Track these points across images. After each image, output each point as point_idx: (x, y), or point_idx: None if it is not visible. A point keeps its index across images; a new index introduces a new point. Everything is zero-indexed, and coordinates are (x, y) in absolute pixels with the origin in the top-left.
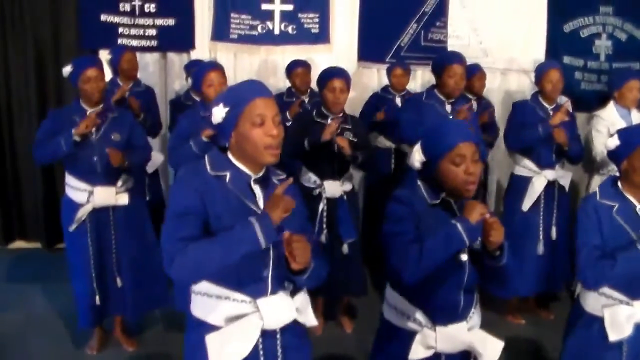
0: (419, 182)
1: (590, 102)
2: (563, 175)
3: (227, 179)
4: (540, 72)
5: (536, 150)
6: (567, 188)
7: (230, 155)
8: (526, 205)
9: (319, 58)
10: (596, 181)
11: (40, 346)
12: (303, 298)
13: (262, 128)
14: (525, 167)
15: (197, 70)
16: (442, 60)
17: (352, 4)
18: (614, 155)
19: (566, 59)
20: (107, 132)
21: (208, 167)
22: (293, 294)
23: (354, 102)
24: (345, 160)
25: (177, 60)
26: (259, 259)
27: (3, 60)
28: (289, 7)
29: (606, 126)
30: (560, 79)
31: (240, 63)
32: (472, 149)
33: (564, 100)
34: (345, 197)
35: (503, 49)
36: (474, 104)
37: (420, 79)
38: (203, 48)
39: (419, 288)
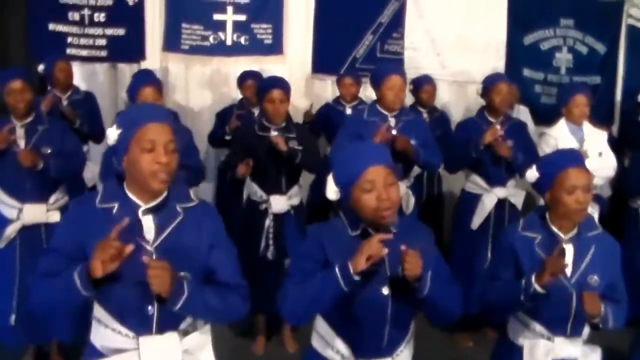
0: (340, 213)
1: (550, 116)
2: (515, 194)
3: (114, 211)
4: (488, 85)
5: (485, 167)
6: (519, 207)
7: (125, 184)
8: (475, 223)
9: (272, 69)
10: None
11: None
12: (199, 338)
13: (151, 154)
14: (475, 183)
15: (132, 84)
16: (380, 72)
17: (307, 15)
18: (537, 187)
19: (526, 72)
20: (36, 145)
21: (97, 200)
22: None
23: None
24: (292, 174)
25: (127, 70)
26: (141, 294)
27: None
28: (242, 18)
29: (554, 144)
30: (509, 92)
31: (192, 74)
32: (384, 173)
33: (520, 109)
34: (292, 212)
35: (461, 61)
36: (426, 116)
37: None
38: (154, 58)
39: (342, 318)
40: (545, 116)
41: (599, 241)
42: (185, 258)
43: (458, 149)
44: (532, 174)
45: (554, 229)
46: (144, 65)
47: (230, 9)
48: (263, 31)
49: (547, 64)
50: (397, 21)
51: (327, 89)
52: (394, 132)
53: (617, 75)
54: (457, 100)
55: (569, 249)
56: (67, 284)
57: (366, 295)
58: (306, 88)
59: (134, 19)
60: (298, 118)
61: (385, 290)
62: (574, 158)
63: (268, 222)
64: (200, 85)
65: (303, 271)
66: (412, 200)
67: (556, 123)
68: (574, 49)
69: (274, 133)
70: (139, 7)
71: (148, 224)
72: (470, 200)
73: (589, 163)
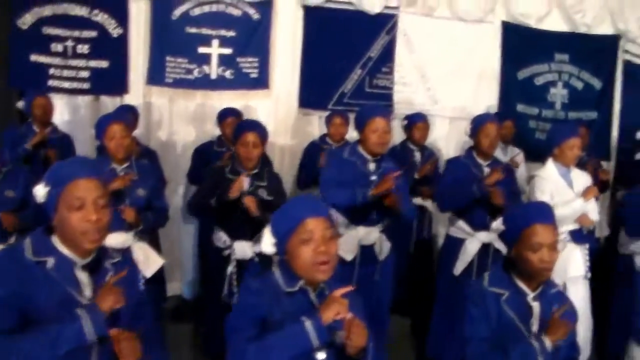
0: (274, 268)
1: (545, 153)
2: (499, 238)
3: (50, 266)
4: (476, 126)
5: (470, 211)
6: (504, 252)
7: (55, 238)
8: (458, 269)
9: (258, 103)
10: None
11: None
12: None
13: (81, 212)
14: (459, 228)
15: (100, 121)
16: (364, 113)
17: (294, 48)
18: (503, 240)
19: (520, 107)
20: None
21: (28, 252)
22: None
23: (295, 150)
24: (260, 220)
25: (110, 103)
26: (81, 357)
27: None
28: (228, 51)
29: (549, 187)
30: (498, 134)
31: (176, 108)
32: (323, 225)
33: (516, 152)
34: (256, 258)
35: (453, 96)
36: (417, 155)
37: None
38: (137, 92)
39: None
40: (539, 152)
41: (560, 299)
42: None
43: (455, 187)
44: (497, 226)
45: (521, 285)
46: (127, 98)
47: (215, 42)
48: (249, 65)
49: (541, 99)
50: (387, 55)
51: (314, 125)
52: (373, 177)
53: (613, 111)
54: (448, 136)
55: (536, 307)
56: (67, 332)
57: (301, 358)
58: (292, 123)
59: (117, 51)
60: (283, 153)
61: (321, 355)
62: (543, 214)
63: (231, 268)
64: (184, 120)
65: (247, 330)
66: (387, 245)
67: (545, 165)
68: (569, 84)
69: (245, 180)
70: (123, 40)
71: (85, 280)
72: (454, 245)
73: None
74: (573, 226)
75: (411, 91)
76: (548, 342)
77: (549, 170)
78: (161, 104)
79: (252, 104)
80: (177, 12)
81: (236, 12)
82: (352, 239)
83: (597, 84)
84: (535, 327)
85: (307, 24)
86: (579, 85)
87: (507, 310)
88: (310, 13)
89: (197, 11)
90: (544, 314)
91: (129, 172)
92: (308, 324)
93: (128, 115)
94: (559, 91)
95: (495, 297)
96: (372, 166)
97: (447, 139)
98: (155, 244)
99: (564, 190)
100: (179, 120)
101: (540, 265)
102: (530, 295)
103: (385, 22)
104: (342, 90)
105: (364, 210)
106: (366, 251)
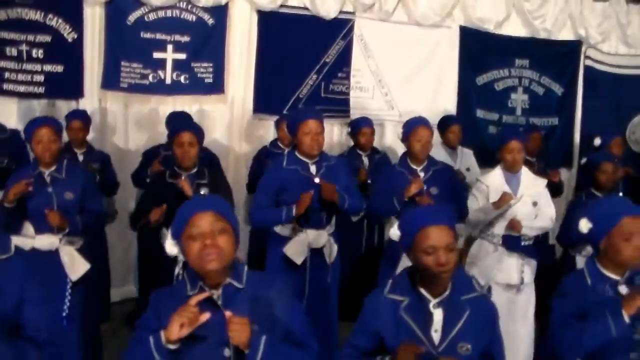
0: (180, 270)
1: None
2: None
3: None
4: (408, 130)
5: None
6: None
7: None
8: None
9: (213, 109)
10: (476, 245)
11: None
12: None
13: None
14: (392, 234)
15: (28, 124)
16: (295, 117)
17: (249, 54)
18: (400, 247)
19: (479, 113)
20: None
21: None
22: None
23: (249, 155)
24: None
25: (65, 107)
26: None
27: None
28: (182, 56)
29: (484, 191)
30: (430, 139)
31: (131, 112)
32: (210, 219)
33: (464, 152)
34: None
35: (410, 101)
36: (365, 160)
37: None
38: (92, 96)
39: None
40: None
41: (475, 305)
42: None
43: (381, 200)
44: (394, 232)
45: (423, 291)
46: (83, 102)
47: (170, 47)
48: (204, 70)
49: (502, 104)
50: (343, 61)
51: (269, 130)
52: (317, 180)
53: (575, 116)
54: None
55: (438, 314)
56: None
57: (208, 357)
58: (247, 128)
59: (72, 55)
60: (238, 158)
61: (227, 352)
62: (433, 216)
63: (177, 269)
64: (139, 125)
65: (142, 335)
66: (335, 248)
67: (493, 169)
68: (530, 90)
69: (184, 182)
70: (78, 44)
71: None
72: (394, 250)
73: (519, 212)
74: (506, 231)
75: (367, 96)
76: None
77: (493, 175)
78: (116, 109)
79: (207, 109)
80: (132, 17)
81: (191, 18)
82: (302, 243)
83: (558, 89)
84: (437, 336)
85: (261, 29)
86: (540, 90)
87: (405, 317)
88: (265, 18)
89: (152, 16)
90: (449, 320)
91: (56, 176)
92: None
93: (56, 120)
94: (519, 97)
95: (393, 304)
96: (313, 168)
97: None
98: (101, 248)
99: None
100: (134, 124)
101: (437, 269)
102: (433, 301)
103: (341, 27)
104: (297, 96)
105: (311, 213)
106: (316, 255)
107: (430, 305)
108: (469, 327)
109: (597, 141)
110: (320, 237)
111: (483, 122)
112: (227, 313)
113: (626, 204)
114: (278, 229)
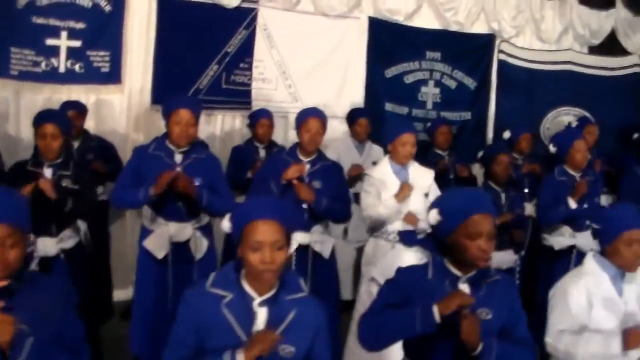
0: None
1: (423, 153)
2: (321, 240)
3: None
4: (299, 121)
5: None
6: (326, 255)
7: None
8: None
9: (110, 99)
10: (370, 245)
11: None
12: None
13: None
14: None
15: None
16: (167, 106)
17: (147, 43)
18: (234, 241)
19: (388, 106)
20: None
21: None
22: None
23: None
24: (66, 216)
25: None
26: None
27: None
28: (77, 44)
29: (375, 185)
30: (321, 131)
31: (23, 101)
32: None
33: (374, 148)
34: (62, 255)
35: (315, 94)
36: (262, 152)
37: (221, 124)
38: None
39: None
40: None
41: (302, 306)
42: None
43: (258, 187)
44: (225, 224)
45: (247, 288)
46: None
47: (64, 34)
48: (100, 59)
49: (412, 98)
50: (245, 51)
51: None
52: (178, 169)
53: (488, 111)
54: None
55: (262, 313)
56: None
57: None
58: (145, 119)
59: None
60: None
61: None
62: (265, 209)
63: (33, 265)
64: (31, 114)
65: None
66: (204, 243)
67: (380, 162)
68: (442, 83)
69: (47, 170)
70: None
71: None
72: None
73: (412, 205)
74: (402, 226)
75: (271, 88)
76: None
77: (381, 168)
78: (7, 97)
79: (104, 99)
80: (22, 0)
81: (86, 3)
82: (162, 236)
83: (471, 83)
84: None
85: (161, 17)
86: (452, 84)
87: (226, 313)
88: (164, 6)
89: (44, 1)
90: (273, 321)
91: None
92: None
93: None
94: (430, 90)
95: (215, 299)
96: (178, 157)
97: None
98: (103, 247)
99: (394, 189)
100: (26, 114)
101: (261, 267)
102: (257, 300)
103: (244, 17)
104: (197, 86)
105: (170, 204)
106: (180, 249)
107: (254, 304)
108: (294, 329)
109: (507, 135)
110: (184, 231)
111: (392, 116)
112: None
113: (478, 200)
114: (146, 222)
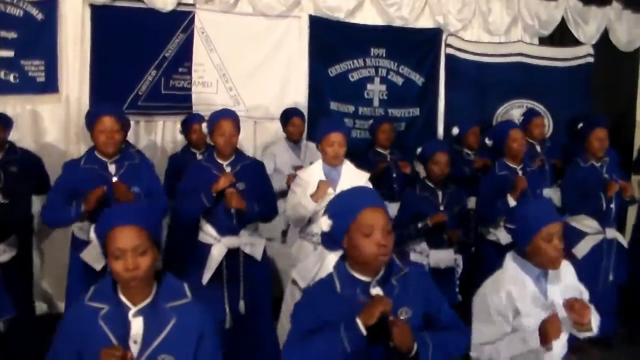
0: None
1: (365, 151)
2: (252, 242)
3: None
4: (211, 125)
5: (217, 214)
6: (258, 256)
7: None
8: (205, 277)
9: (46, 109)
10: (295, 245)
11: None
12: None
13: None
14: (207, 232)
15: None
16: (88, 118)
17: (83, 50)
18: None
19: (333, 105)
20: None
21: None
22: None
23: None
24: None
25: None
26: None
27: None
28: (9, 54)
29: (302, 185)
30: (234, 132)
31: None
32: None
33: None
34: None
35: (257, 96)
36: (200, 157)
37: (162, 130)
38: None
39: None
40: (356, 152)
41: (183, 313)
42: None
43: (187, 197)
44: (91, 234)
45: (122, 298)
46: None
47: None
48: (35, 68)
49: (357, 95)
50: (184, 55)
51: None
52: (114, 179)
53: (437, 106)
54: (250, 138)
55: (137, 323)
56: None
57: None
58: (84, 128)
59: None
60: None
61: None
62: (122, 216)
63: None
64: None
65: None
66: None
67: (315, 163)
68: (388, 80)
69: None
70: None
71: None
72: (202, 251)
73: None
74: None
75: (211, 92)
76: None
77: (312, 169)
78: None
79: (40, 110)
80: None
81: (17, 12)
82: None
83: (418, 79)
84: (136, 347)
85: (95, 24)
86: (399, 80)
87: (102, 325)
88: (98, 12)
89: None
90: (151, 331)
91: None
92: None
93: None
94: (376, 87)
95: (93, 312)
96: (112, 168)
97: (254, 141)
98: None
99: None
100: None
101: (124, 274)
102: (132, 310)
103: (180, 20)
104: (136, 92)
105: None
106: None
107: (130, 314)
108: (174, 337)
109: (455, 131)
110: None
111: (338, 115)
112: None
113: (365, 195)
114: (78, 232)
